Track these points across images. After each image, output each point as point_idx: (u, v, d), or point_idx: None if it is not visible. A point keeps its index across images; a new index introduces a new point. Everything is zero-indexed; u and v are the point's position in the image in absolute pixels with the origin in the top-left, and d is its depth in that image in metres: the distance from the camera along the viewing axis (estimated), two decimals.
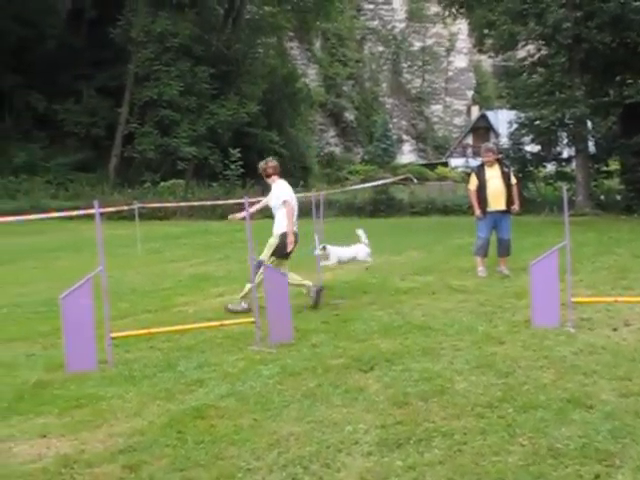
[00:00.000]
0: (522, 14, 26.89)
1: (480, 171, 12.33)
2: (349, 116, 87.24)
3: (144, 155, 44.10)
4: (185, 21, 44.64)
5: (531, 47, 30.29)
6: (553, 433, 4.73)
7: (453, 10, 37.52)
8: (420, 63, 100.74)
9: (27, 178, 42.44)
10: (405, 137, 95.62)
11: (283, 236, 9.57)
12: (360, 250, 11.96)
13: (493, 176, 12.12)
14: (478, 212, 12.25)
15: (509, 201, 12.18)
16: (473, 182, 12.36)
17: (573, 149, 30.07)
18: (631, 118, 27.25)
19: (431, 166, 70.29)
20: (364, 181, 37.45)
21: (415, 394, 5.67)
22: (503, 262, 12.42)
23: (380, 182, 29.98)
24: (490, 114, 72.18)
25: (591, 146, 30.38)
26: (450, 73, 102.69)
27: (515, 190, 12.38)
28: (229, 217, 10.53)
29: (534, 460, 4.34)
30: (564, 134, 29.72)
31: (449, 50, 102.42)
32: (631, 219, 24.27)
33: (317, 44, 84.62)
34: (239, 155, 39.43)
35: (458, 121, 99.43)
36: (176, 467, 4.43)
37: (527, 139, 30.56)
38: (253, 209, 10.02)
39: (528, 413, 5.13)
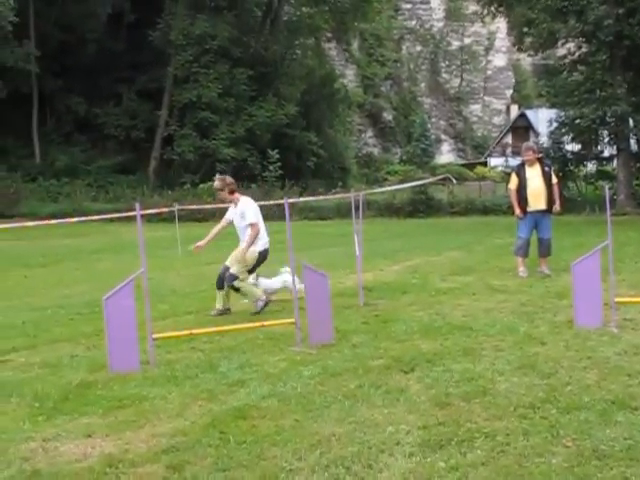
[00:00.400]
0: (562, 11, 26.65)
1: (521, 170, 12.23)
2: (387, 116, 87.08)
3: (183, 157, 44.43)
4: (223, 23, 44.89)
5: (571, 45, 29.99)
6: (597, 434, 4.68)
7: (492, 8, 37.29)
8: (458, 62, 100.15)
9: (68, 181, 43.02)
10: (444, 137, 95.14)
11: (260, 254, 9.85)
12: (287, 277, 10.29)
13: (534, 175, 12.02)
14: (518, 212, 12.15)
15: (550, 200, 12.07)
16: (513, 181, 12.26)
17: (614, 148, 29.74)
18: None
19: (470, 166, 69.91)
20: (403, 181, 37.34)
21: (457, 395, 5.64)
22: (544, 262, 12.31)
23: (419, 182, 29.87)
24: (530, 113, 71.59)
25: (633, 144, 30.01)
26: (489, 72, 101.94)
27: (556, 189, 12.26)
28: (195, 247, 10.25)
29: (578, 462, 4.29)
30: (605, 132, 29.43)
31: (488, 49, 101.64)
32: None
33: (355, 44, 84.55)
34: (277, 156, 39.56)
35: (497, 120, 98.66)
36: (219, 467, 4.45)
37: (567, 138, 30.30)
38: (215, 231, 10.22)
39: (572, 414, 5.08)
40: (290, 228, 7.78)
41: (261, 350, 7.52)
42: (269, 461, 4.51)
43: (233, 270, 9.63)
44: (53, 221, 13.54)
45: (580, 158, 30.92)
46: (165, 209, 22.81)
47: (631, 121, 28.49)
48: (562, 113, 29.59)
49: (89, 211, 31.31)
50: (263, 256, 9.96)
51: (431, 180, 32.83)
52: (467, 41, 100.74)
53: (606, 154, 31.06)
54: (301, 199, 29.41)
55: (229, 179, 9.98)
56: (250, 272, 9.96)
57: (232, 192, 9.96)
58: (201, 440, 4.91)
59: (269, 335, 8.15)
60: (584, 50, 29.00)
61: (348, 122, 67.75)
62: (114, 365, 6.75)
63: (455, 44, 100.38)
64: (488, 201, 33.76)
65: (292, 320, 7.69)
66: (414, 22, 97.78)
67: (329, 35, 66.93)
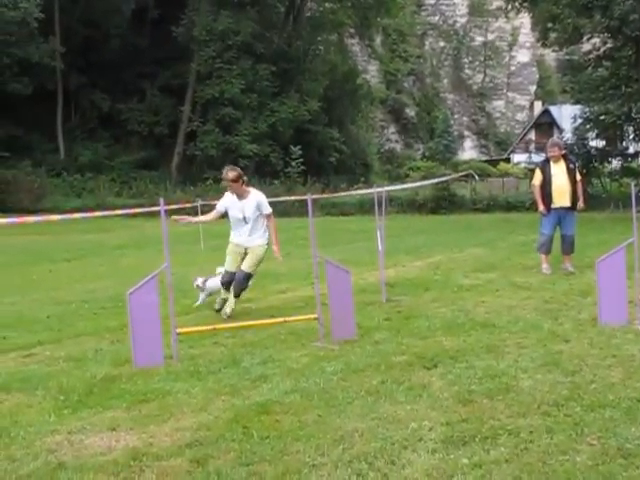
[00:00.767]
0: (587, 7, 26.38)
1: (545, 166, 12.16)
2: (410, 112, 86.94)
3: (206, 153, 44.61)
4: (247, 19, 45.00)
5: (596, 40, 29.72)
6: (623, 433, 4.65)
7: (516, 4, 36.98)
8: (482, 58, 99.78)
9: (92, 176, 43.35)
10: (466, 133, 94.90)
11: (268, 246, 9.53)
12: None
13: (559, 172, 11.95)
14: (542, 208, 12.08)
15: (574, 197, 12.00)
16: (537, 177, 12.20)
17: None
18: None
19: (493, 162, 69.52)
20: (425, 178, 37.25)
21: (480, 392, 5.63)
22: (568, 259, 12.24)
23: (441, 179, 29.79)
24: (553, 109, 71.08)
25: None
26: (512, 68, 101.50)
27: (580, 186, 12.20)
28: (173, 217, 9.09)
29: (603, 460, 4.27)
30: (630, 129, 29.18)
31: (511, 45, 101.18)
32: None
33: (378, 40, 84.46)
34: (300, 152, 39.60)
35: (520, 117, 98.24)
36: (242, 462, 4.46)
37: (592, 134, 30.07)
38: (204, 218, 10.22)
39: (596, 412, 5.05)
40: (313, 224, 7.78)
41: (284, 345, 7.53)
42: (292, 456, 4.52)
43: (252, 270, 9.37)
44: (77, 215, 13.62)
45: (605, 155, 30.69)
46: (188, 204, 22.86)
47: None
48: (587, 109, 29.37)
49: (112, 206, 31.48)
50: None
51: (454, 176, 32.73)
52: (490, 37, 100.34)
53: (631, 150, 30.81)
54: (323, 195, 29.40)
55: (234, 173, 9.41)
56: None
57: (245, 183, 9.54)
58: (224, 435, 4.93)
59: (291, 330, 8.17)
60: (609, 46, 28.73)
61: (370, 118, 67.81)
62: (138, 359, 6.79)
63: (478, 40, 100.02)
64: (511, 197, 33.62)
65: (315, 316, 7.71)
66: (437, 17, 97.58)
67: (352, 31, 66.90)
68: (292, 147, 40.29)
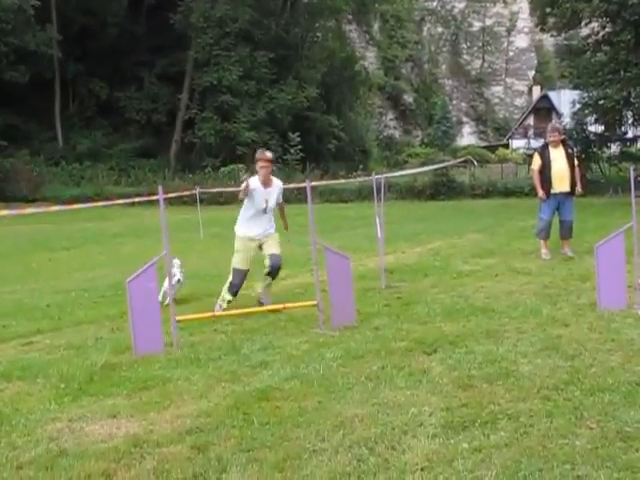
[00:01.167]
0: None
1: (544, 151, 12.14)
2: (408, 99, 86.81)
3: (204, 140, 44.55)
4: (244, 6, 44.85)
5: (595, 25, 29.60)
6: (622, 416, 4.66)
7: None
8: (480, 44, 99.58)
9: (90, 165, 43.28)
10: (465, 119, 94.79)
11: None
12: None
13: (558, 157, 11.94)
14: (541, 193, 12.07)
15: (573, 182, 12.00)
16: (536, 162, 12.18)
17: (638, 129, 29.42)
18: None
19: (492, 148, 69.52)
20: (424, 164, 37.22)
21: (479, 377, 5.64)
22: (567, 244, 12.25)
23: (440, 165, 29.76)
24: (552, 94, 70.99)
25: None
26: (511, 53, 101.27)
27: (578, 171, 12.20)
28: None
29: (602, 443, 4.28)
30: (629, 113, 29.11)
31: (510, 30, 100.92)
32: None
33: (375, 26, 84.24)
34: (298, 139, 39.57)
35: (519, 102, 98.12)
36: (243, 448, 4.48)
37: (591, 119, 30.01)
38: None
39: (595, 396, 5.06)
40: (312, 211, 7.78)
41: (283, 332, 7.54)
42: (292, 442, 4.53)
43: (280, 252, 9.02)
44: (77, 205, 13.60)
45: (604, 139, 30.65)
46: (187, 192, 22.86)
47: None
48: (585, 94, 29.28)
49: (111, 195, 31.44)
50: None
51: (452, 162, 32.69)
52: (489, 22, 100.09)
53: (630, 135, 30.77)
54: (322, 182, 29.39)
55: (270, 153, 8.97)
56: None
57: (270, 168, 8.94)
58: (225, 421, 4.94)
59: (291, 317, 8.18)
60: (608, 30, 28.61)
61: (369, 105, 67.70)
62: (138, 347, 6.80)
63: (476, 25, 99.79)
64: (510, 183, 33.61)
65: (314, 302, 7.71)
66: (435, 3, 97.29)
67: (350, 17, 66.77)
68: (290, 134, 40.26)
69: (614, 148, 31.74)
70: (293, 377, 5.88)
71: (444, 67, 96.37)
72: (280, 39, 48.60)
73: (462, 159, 34.97)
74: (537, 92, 78.04)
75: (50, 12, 44.35)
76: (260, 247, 8.96)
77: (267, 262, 8.86)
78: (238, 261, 8.87)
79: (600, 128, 30.79)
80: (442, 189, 33.12)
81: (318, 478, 4.01)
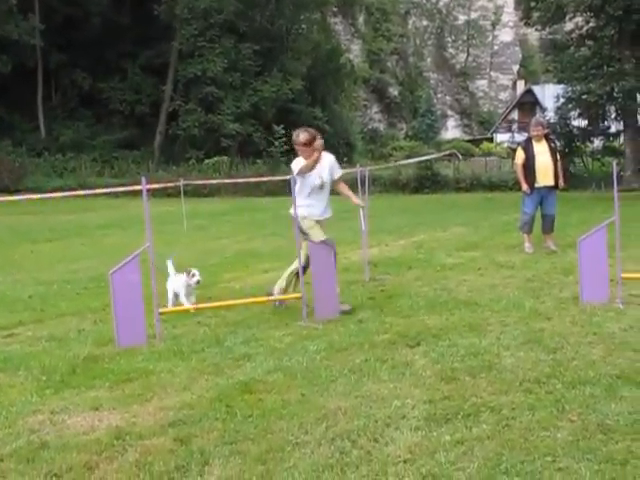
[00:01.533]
0: None
1: (528, 146, 12.18)
2: (393, 92, 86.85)
3: (188, 132, 44.40)
4: None
5: (579, 19, 29.75)
6: (603, 409, 4.69)
7: None
8: (465, 37, 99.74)
9: (74, 156, 43.02)
10: (449, 113, 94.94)
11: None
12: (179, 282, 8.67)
13: (541, 151, 11.98)
14: (525, 187, 12.11)
15: (557, 176, 12.05)
16: (520, 156, 12.22)
17: (621, 123, 29.57)
18: None
19: (476, 142, 69.68)
20: (408, 157, 37.25)
21: (462, 369, 5.66)
22: (549, 238, 12.31)
23: (424, 158, 29.80)
24: (536, 89, 71.24)
25: None
26: (495, 47, 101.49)
27: (560, 165, 12.27)
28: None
29: (583, 436, 4.31)
30: (612, 108, 29.27)
31: (494, 24, 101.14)
32: None
33: (361, 19, 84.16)
34: (283, 132, 39.49)
35: (503, 96, 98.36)
36: (226, 440, 4.47)
37: (574, 114, 30.16)
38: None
39: (577, 389, 5.09)
40: (296, 204, 7.77)
41: (267, 325, 7.54)
42: (275, 434, 4.53)
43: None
44: (59, 194, 13.51)
45: (587, 134, 30.78)
46: (171, 184, 22.78)
47: (639, 97, 28.30)
48: (569, 89, 29.40)
49: (94, 186, 31.26)
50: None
51: (437, 156, 32.76)
52: (474, 15, 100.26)
53: (613, 130, 30.89)
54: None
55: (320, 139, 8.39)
56: None
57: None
58: (208, 413, 4.93)
59: (275, 310, 8.18)
60: (592, 25, 28.75)
61: (354, 97, 67.63)
62: (121, 339, 6.77)
63: (462, 18, 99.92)
64: (494, 177, 33.73)
65: (298, 295, 7.71)
66: None
67: (335, 9, 66.64)
68: (275, 126, 40.18)
69: (597, 142, 31.89)
70: (276, 370, 5.88)
71: (429, 60, 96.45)
72: (265, 31, 48.47)
73: (446, 152, 35.06)
74: (521, 86, 78.25)
75: (33, 1, 44.02)
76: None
77: (303, 259, 8.02)
78: (318, 234, 8.31)
79: (583, 122, 30.92)
80: (426, 182, 33.18)
81: (301, 470, 4.01)
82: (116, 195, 27.84)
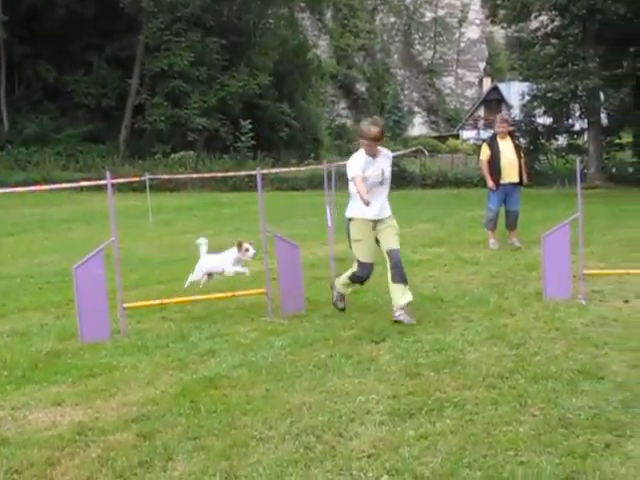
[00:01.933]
0: None
1: (493, 142, 12.28)
2: (360, 88, 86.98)
3: (155, 126, 44.09)
4: None
5: (544, 18, 30.04)
6: (564, 403, 4.74)
7: None
8: (432, 34, 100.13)
9: (37, 149, 42.45)
10: (416, 109, 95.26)
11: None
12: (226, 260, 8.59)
13: (506, 148, 12.09)
14: (491, 184, 12.19)
15: (521, 173, 12.16)
16: (485, 153, 12.30)
17: (585, 121, 29.90)
18: None
19: (442, 138, 70.03)
20: None
21: (427, 365, 5.69)
22: (513, 234, 12.41)
23: (392, 154, 29.86)
24: (502, 86, 71.77)
25: (603, 118, 30.20)
26: (462, 44, 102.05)
27: (524, 162, 12.40)
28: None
29: (545, 430, 4.35)
30: (576, 106, 29.59)
31: (461, 21, 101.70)
32: None
33: (328, 15, 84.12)
34: (250, 127, 39.38)
35: (470, 93, 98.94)
36: (189, 436, 4.46)
37: (539, 111, 30.42)
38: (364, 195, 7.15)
39: (539, 384, 5.14)
40: (262, 199, 7.76)
41: (232, 320, 7.52)
42: (240, 430, 4.53)
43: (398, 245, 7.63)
44: (22, 188, 13.37)
45: (551, 131, 31.05)
46: (136, 178, 22.61)
47: (602, 95, 28.62)
48: (534, 86, 29.65)
49: (59, 180, 30.93)
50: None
51: (404, 152, 32.84)
52: (441, 12, 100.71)
53: (577, 128, 31.22)
54: (273, 170, 29.31)
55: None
56: None
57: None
58: (172, 409, 4.91)
59: (240, 305, 8.17)
60: (557, 23, 29.04)
61: (321, 93, 67.60)
62: (84, 334, 6.72)
63: (429, 15, 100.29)
64: (460, 174, 33.89)
65: (263, 290, 7.70)
66: None
67: (302, 5, 66.50)
68: (242, 121, 40.03)
69: (561, 140, 32.18)
70: (241, 365, 5.87)
71: (396, 57, 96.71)
72: (232, 25, 48.19)
73: (413, 149, 35.17)
74: (487, 84, 78.86)
75: None
76: (375, 236, 7.55)
77: (388, 264, 7.42)
78: (360, 253, 7.43)
79: (548, 120, 31.19)
80: (393, 179, 33.06)
81: (265, 466, 4.01)
82: (81, 189, 27.55)
